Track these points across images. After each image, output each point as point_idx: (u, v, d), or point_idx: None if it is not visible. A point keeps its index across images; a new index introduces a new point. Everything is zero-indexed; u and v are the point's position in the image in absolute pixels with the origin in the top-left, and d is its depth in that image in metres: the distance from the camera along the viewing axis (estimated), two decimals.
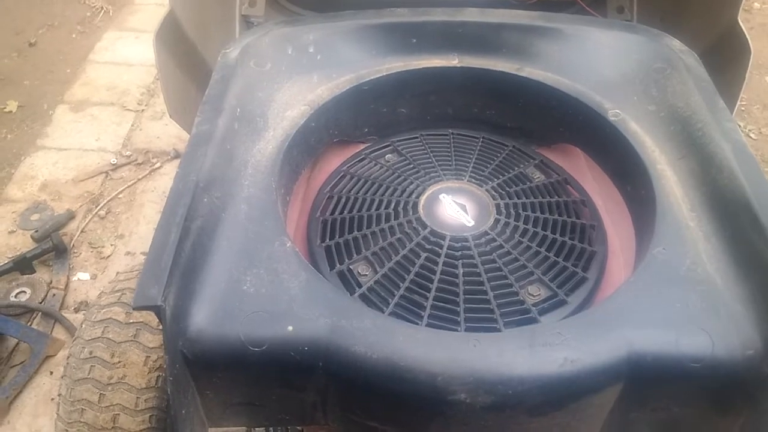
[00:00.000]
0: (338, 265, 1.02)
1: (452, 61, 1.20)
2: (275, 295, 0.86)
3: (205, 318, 0.83)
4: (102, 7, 3.93)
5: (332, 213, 1.09)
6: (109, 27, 3.79)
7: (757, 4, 4.22)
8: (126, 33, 3.74)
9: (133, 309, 0.79)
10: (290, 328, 0.83)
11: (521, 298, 0.98)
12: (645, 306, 0.86)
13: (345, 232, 1.05)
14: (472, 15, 1.23)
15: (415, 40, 1.20)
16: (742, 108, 3.43)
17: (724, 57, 1.39)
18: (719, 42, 1.40)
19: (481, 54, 1.20)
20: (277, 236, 0.92)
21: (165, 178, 2.84)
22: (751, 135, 3.29)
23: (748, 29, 4.25)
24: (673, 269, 0.90)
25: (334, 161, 1.21)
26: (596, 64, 1.17)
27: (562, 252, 1.03)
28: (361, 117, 1.21)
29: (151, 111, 3.20)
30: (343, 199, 1.11)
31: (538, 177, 1.16)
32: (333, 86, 1.15)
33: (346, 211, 1.08)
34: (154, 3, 3.96)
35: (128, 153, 2.96)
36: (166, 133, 3.06)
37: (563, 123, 1.19)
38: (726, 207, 0.95)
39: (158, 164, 2.91)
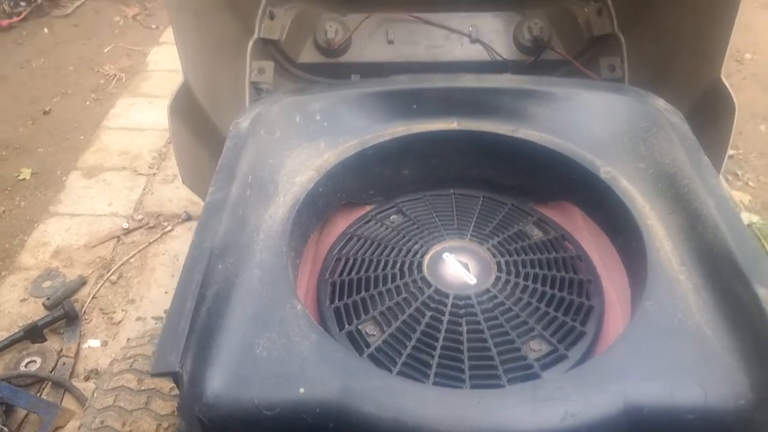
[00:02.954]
0: (347, 325, 1.06)
1: (452, 124, 1.27)
2: (287, 358, 0.89)
3: (220, 383, 0.86)
4: (115, 75, 4.07)
5: (340, 274, 1.13)
6: (123, 93, 3.91)
7: (748, 55, 4.33)
8: (139, 99, 3.86)
9: (152, 375, 0.82)
10: (302, 390, 0.86)
11: (523, 354, 1.01)
12: (640, 359, 0.89)
13: (353, 293, 1.09)
14: (469, 81, 1.30)
15: (415, 106, 1.27)
16: (740, 157, 3.49)
17: (711, 112, 1.45)
18: (706, 98, 1.46)
19: (478, 117, 1.26)
20: (289, 299, 0.96)
21: (176, 241, 2.89)
22: (750, 183, 3.33)
23: (741, 79, 4.34)
24: (665, 322, 0.93)
25: (341, 223, 1.26)
26: (587, 124, 1.23)
27: (561, 307, 1.07)
28: (367, 180, 1.27)
29: (163, 174, 3.28)
30: (351, 261, 1.15)
31: (536, 234, 1.21)
32: (339, 152, 1.21)
33: (353, 273, 1.13)
34: (166, 69, 4.10)
35: (140, 217, 3.01)
36: (177, 195, 3.12)
37: (558, 181, 1.24)
38: (713, 261, 0.99)
39: (169, 227, 2.96)
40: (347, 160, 1.20)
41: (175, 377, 0.83)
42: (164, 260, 2.80)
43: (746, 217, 3.08)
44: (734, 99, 1.38)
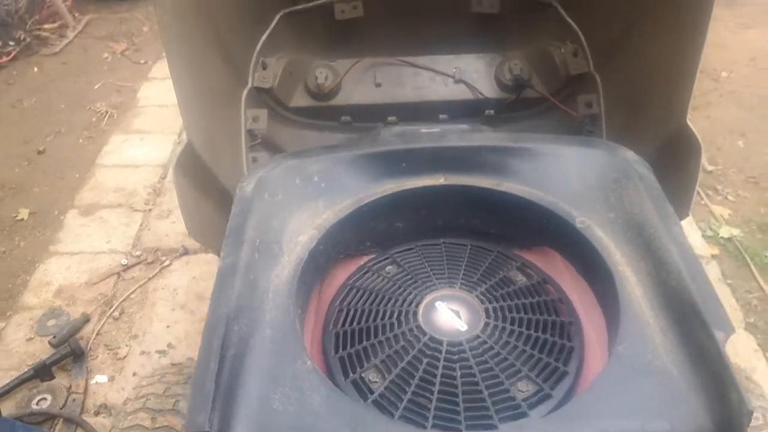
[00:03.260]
0: (351, 374, 1.15)
1: (439, 180, 1.37)
2: (301, 411, 0.99)
3: None
4: (107, 112, 4.13)
5: (343, 325, 1.23)
6: (115, 130, 3.98)
7: (724, 73, 4.46)
8: (131, 135, 3.92)
9: None
10: None
11: (512, 395, 1.11)
12: (614, 398, 1.00)
13: (355, 343, 1.19)
14: (453, 140, 1.41)
15: (405, 165, 1.37)
16: (719, 172, 3.60)
17: (679, 153, 1.55)
18: (674, 139, 1.56)
19: (463, 173, 1.37)
20: (299, 356, 1.05)
21: (175, 275, 2.97)
22: (729, 197, 3.44)
23: (718, 97, 4.50)
24: (636, 363, 1.04)
25: (340, 274, 1.36)
26: (563, 177, 1.34)
27: (545, 349, 1.17)
28: (363, 234, 1.37)
29: (158, 210, 3.35)
30: (352, 312, 1.25)
31: (520, 279, 1.31)
32: (337, 210, 1.31)
33: (355, 323, 1.22)
34: (156, 104, 4.17)
35: (138, 253, 3.08)
36: (174, 230, 3.20)
37: (539, 230, 1.35)
38: (677, 305, 1.09)
39: (167, 262, 3.03)
40: (345, 218, 1.30)
41: None
42: (164, 294, 2.88)
43: (727, 230, 3.18)
44: (700, 141, 1.48)
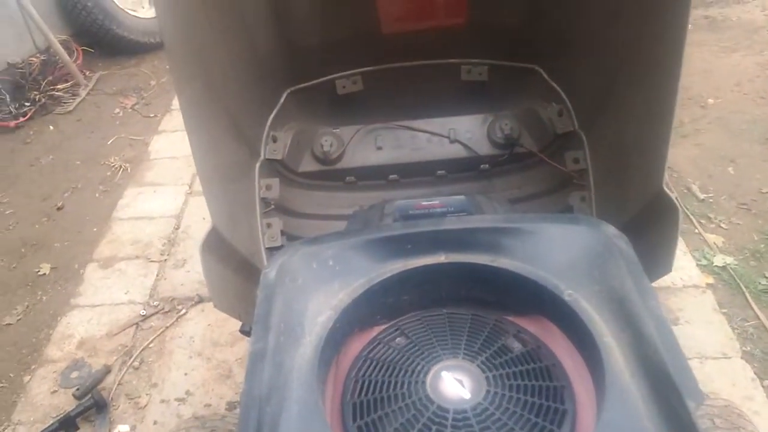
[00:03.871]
0: None
1: (440, 258, 1.50)
2: None
3: None
4: (121, 166, 4.27)
5: (359, 395, 1.35)
6: (129, 184, 4.11)
7: (711, 100, 4.51)
8: (145, 188, 4.06)
9: None
10: None
11: None
12: None
13: (371, 413, 1.31)
14: (452, 223, 1.55)
15: (409, 246, 1.50)
16: (711, 200, 3.64)
17: (658, 214, 1.66)
18: (654, 201, 1.66)
19: (462, 251, 1.50)
20: (323, 431, 1.18)
21: (191, 324, 3.09)
22: (722, 225, 3.47)
23: (706, 124, 4.60)
24: (622, 428, 1.16)
25: (355, 346, 1.48)
26: (552, 252, 1.46)
27: (540, 413, 1.29)
28: (374, 309, 1.49)
29: (173, 260, 3.47)
30: (367, 382, 1.37)
31: (516, 346, 1.43)
32: (351, 291, 1.43)
33: (370, 393, 1.35)
34: (167, 157, 4.30)
35: (156, 303, 3.20)
36: (189, 279, 3.33)
37: (531, 300, 1.46)
38: (654, 375, 1.20)
39: (184, 311, 3.15)
40: (358, 298, 1.43)
41: None
42: (181, 343, 3.00)
43: (721, 259, 3.24)
44: (678, 205, 1.60)
